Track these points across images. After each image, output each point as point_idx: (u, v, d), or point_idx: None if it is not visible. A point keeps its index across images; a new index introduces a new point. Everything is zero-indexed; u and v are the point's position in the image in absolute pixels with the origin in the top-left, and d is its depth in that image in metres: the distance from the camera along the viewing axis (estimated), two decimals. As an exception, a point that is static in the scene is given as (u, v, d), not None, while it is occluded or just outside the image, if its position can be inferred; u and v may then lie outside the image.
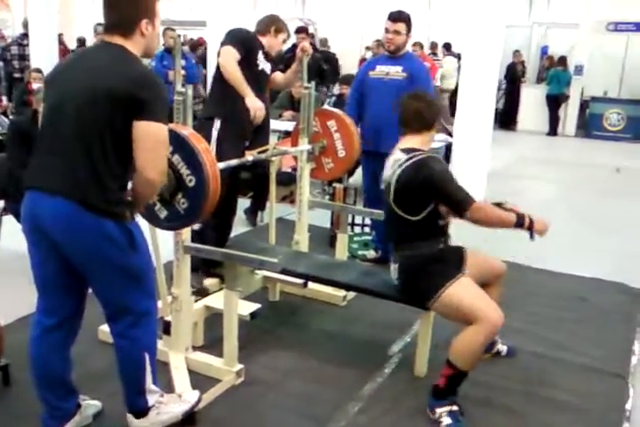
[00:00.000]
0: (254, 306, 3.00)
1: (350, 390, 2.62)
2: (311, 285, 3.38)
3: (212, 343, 2.83)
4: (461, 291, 2.46)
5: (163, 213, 2.40)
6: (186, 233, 2.60)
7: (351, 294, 3.44)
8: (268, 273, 3.27)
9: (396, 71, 3.90)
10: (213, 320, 2.92)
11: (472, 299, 2.44)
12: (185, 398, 2.31)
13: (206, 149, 2.29)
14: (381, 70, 3.95)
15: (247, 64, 3.29)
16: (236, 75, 3.23)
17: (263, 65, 3.45)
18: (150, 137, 1.90)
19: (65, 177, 1.90)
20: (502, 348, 2.97)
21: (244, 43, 3.30)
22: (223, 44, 3.31)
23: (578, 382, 2.80)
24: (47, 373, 2.15)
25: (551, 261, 4.30)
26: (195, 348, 2.80)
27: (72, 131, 1.90)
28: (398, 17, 3.87)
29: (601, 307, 3.63)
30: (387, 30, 3.87)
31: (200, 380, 2.59)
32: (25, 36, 10.87)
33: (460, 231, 5.01)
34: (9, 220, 3.45)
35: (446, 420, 2.41)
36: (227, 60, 3.26)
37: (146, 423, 2.20)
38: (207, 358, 2.72)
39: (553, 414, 2.56)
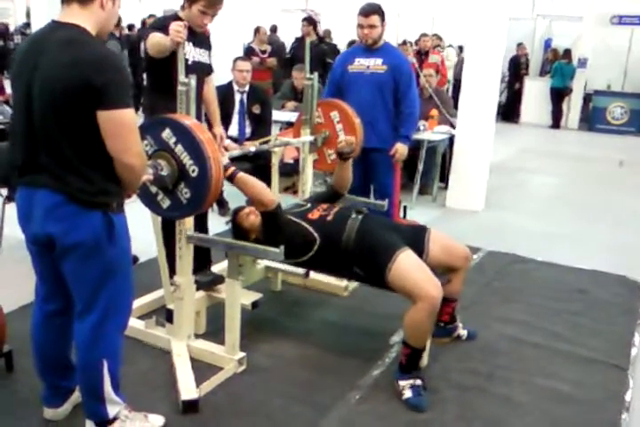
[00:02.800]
0: (256, 295, 3.03)
1: (351, 378, 2.64)
2: (313, 275, 3.40)
3: (215, 332, 2.85)
4: (403, 265, 2.50)
5: (165, 203, 2.41)
6: (188, 222, 2.61)
7: (353, 284, 3.45)
8: (269, 263, 3.29)
9: (376, 64, 3.82)
10: (216, 309, 2.94)
11: (413, 273, 2.48)
12: (150, 419, 2.23)
13: (209, 140, 2.30)
14: (361, 64, 3.86)
15: (174, 62, 2.71)
16: (157, 43, 2.72)
17: (196, 55, 3.02)
18: (115, 125, 1.83)
19: (48, 171, 1.87)
20: (463, 332, 3.03)
21: (159, 30, 2.78)
22: (145, 39, 2.89)
23: (578, 372, 2.81)
24: (50, 357, 2.18)
25: (552, 254, 4.31)
26: (197, 336, 2.82)
27: (40, 127, 1.86)
28: (370, 10, 3.72)
29: (602, 299, 3.64)
30: (361, 26, 3.75)
31: (202, 367, 2.61)
32: (28, 25, 10.88)
33: (457, 223, 5.04)
34: (11, 208, 3.46)
35: (407, 393, 2.51)
36: (148, 41, 2.81)
37: None
38: (209, 345, 2.74)
39: (552, 404, 2.57)
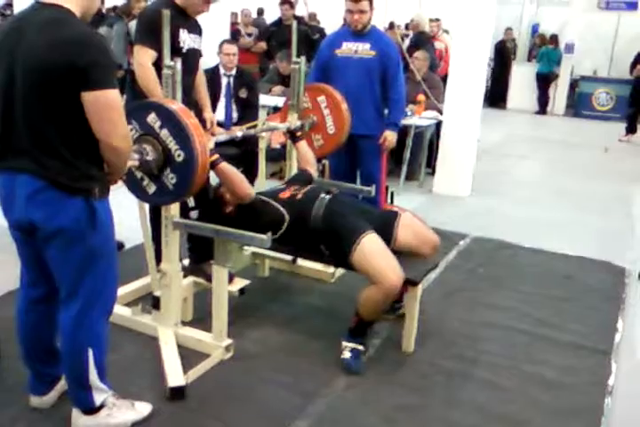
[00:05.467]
0: (243, 282, 3.02)
1: (338, 365, 2.64)
2: (300, 261, 3.40)
3: (202, 318, 2.83)
4: (366, 249, 2.53)
5: (151, 189, 2.38)
6: (174, 209, 2.59)
7: (340, 271, 3.45)
8: (256, 249, 3.28)
9: (364, 49, 3.78)
10: (202, 296, 2.93)
11: (376, 258, 2.51)
12: (137, 407, 2.22)
13: (195, 124, 2.27)
14: (349, 48, 3.81)
15: (171, 49, 2.67)
16: (148, 84, 2.79)
17: (190, 42, 2.96)
18: (101, 106, 1.80)
19: (29, 156, 1.85)
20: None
21: (154, 34, 2.64)
22: (135, 40, 2.90)
23: (562, 358, 2.84)
24: (35, 344, 2.16)
25: (538, 240, 4.33)
26: (184, 323, 2.81)
27: (23, 110, 1.82)
28: None
29: (586, 285, 3.67)
30: (350, 11, 3.69)
31: (189, 355, 2.61)
32: (8, 6, 10.67)
33: (443, 208, 5.04)
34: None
35: (347, 354, 2.64)
36: (139, 63, 2.84)
37: (91, 422, 2.11)
38: (196, 333, 2.73)
39: (537, 389, 2.60)
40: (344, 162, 4.00)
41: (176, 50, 2.74)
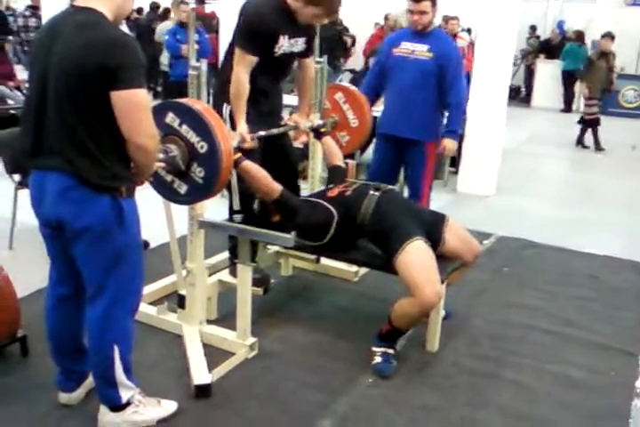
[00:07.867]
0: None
1: (362, 363, 2.65)
2: (323, 260, 3.41)
3: (226, 317, 2.86)
4: (410, 257, 2.50)
5: (183, 189, 2.39)
6: (200, 208, 2.61)
7: (363, 270, 3.45)
8: (280, 248, 3.29)
9: (421, 50, 3.64)
10: (227, 294, 2.95)
11: (416, 269, 2.48)
12: (163, 404, 2.25)
13: (209, 110, 2.30)
14: (406, 48, 3.68)
15: (262, 53, 2.76)
16: (236, 99, 2.75)
17: (287, 47, 2.85)
18: (128, 105, 1.83)
19: (59, 155, 1.88)
20: (441, 312, 2.94)
21: (253, 39, 2.71)
22: (236, 42, 2.78)
23: (588, 358, 2.81)
24: (63, 340, 2.20)
25: (564, 239, 4.29)
26: (208, 321, 2.83)
27: (56, 110, 1.86)
28: None
29: (612, 285, 3.63)
30: (411, 12, 3.59)
31: (214, 353, 2.63)
32: (29, 7, 10.97)
33: (468, 207, 5.01)
34: (24, 193, 3.46)
35: (377, 359, 2.62)
36: (237, 78, 2.73)
37: (118, 419, 2.14)
38: (221, 331, 2.75)
39: (562, 389, 2.58)
40: (386, 163, 3.85)
41: (268, 55, 2.77)
